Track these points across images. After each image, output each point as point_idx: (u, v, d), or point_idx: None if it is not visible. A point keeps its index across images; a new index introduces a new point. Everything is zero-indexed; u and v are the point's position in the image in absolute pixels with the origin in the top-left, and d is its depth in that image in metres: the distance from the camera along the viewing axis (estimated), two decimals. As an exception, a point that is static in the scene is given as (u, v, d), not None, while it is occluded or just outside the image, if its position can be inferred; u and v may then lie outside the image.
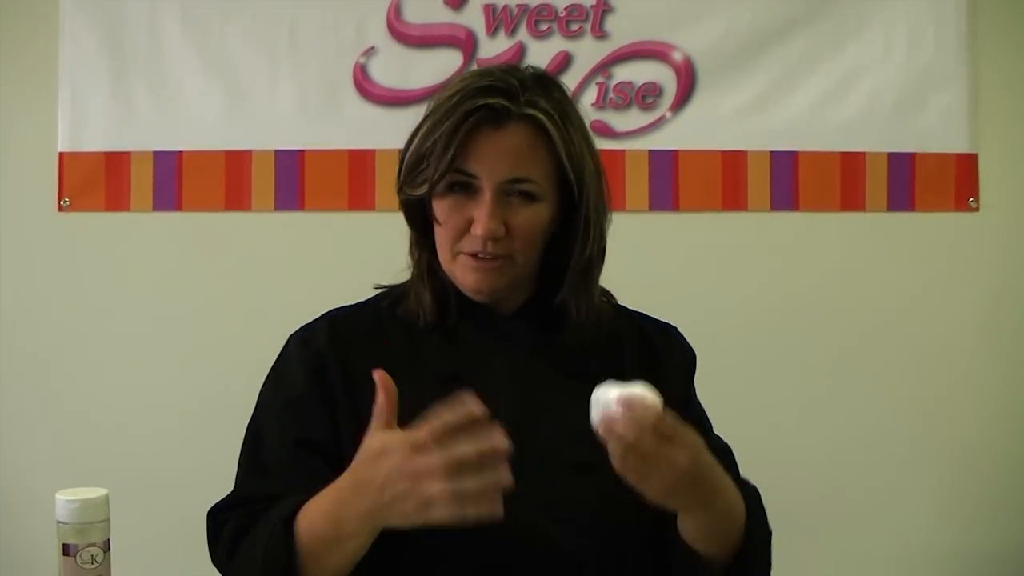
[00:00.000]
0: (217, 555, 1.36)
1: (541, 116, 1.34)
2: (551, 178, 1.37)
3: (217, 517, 1.38)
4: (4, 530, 2.68)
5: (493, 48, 2.75)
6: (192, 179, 2.75)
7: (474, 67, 2.68)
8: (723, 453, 1.50)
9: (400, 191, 1.43)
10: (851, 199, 2.79)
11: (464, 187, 1.36)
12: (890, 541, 2.81)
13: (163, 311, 2.77)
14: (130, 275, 2.78)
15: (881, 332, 2.82)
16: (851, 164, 2.79)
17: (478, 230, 1.35)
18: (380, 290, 1.51)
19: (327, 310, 1.49)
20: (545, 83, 1.40)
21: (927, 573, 2.82)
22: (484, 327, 1.43)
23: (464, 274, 1.39)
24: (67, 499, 1.22)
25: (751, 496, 1.40)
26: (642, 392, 1.18)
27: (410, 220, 1.45)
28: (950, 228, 2.83)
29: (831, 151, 2.78)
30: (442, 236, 1.40)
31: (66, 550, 1.21)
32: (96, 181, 2.75)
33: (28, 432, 2.75)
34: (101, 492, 1.23)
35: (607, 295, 1.52)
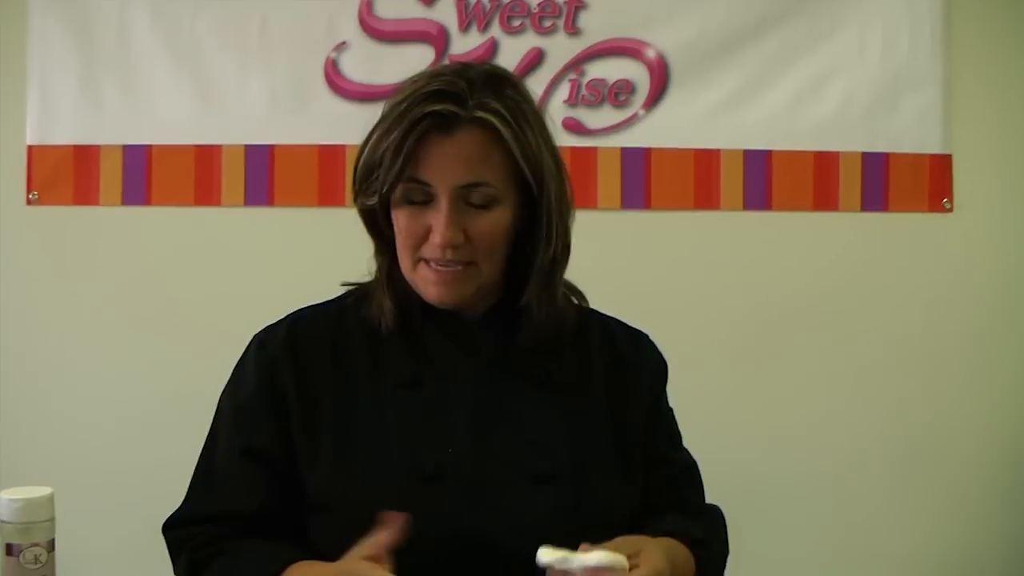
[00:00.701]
0: None
1: (492, 118, 1.31)
2: (509, 179, 1.35)
3: (170, 535, 1.40)
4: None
5: (465, 44, 2.73)
6: (161, 173, 2.74)
7: (446, 63, 2.66)
8: (688, 469, 1.51)
9: (355, 199, 1.40)
10: (824, 199, 2.79)
11: (420, 195, 1.33)
12: (875, 542, 2.81)
13: (130, 306, 2.75)
14: (98, 269, 2.76)
15: (853, 332, 2.82)
16: (825, 164, 2.78)
17: (436, 239, 1.32)
18: (348, 287, 1.49)
19: (294, 310, 1.48)
20: (497, 81, 1.36)
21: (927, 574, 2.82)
22: (448, 333, 1.41)
23: (426, 286, 1.37)
24: (10, 498, 1.20)
25: (714, 551, 1.41)
26: (610, 561, 1.16)
27: (369, 227, 1.43)
28: (924, 229, 2.82)
29: (805, 150, 2.77)
30: (402, 245, 1.37)
31: (9, 550, 1.19)
32: (65, 174, 2.73)
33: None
34: (45, 491, 1.21)
35: (579, 297, 1.50)
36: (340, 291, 1.49)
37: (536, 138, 1.36)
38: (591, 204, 2.73)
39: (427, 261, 1.35)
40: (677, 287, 2.78)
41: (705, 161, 2.76)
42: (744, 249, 2.80)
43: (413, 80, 1.36)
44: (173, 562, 1.39)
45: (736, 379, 2.79)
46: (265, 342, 1.43)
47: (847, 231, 2.81)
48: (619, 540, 1.23)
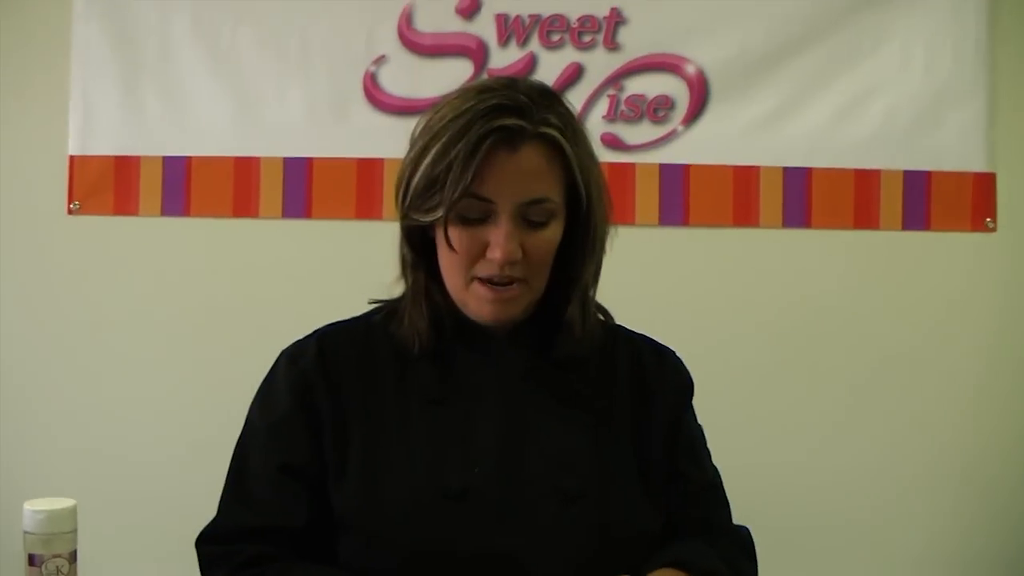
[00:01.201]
0: None
1: (555, 134, 1.30)
2: (564, 195, 1.34)
3: (205, 549, 1.39)
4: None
5: (504, 58, 2.72)
6: (201, 184, 2.75)
7: (484, 77, 2.66)
8: (710, 488, 1.48)
9: (405, 217, 1.37)
10: (865, 217, 2.75)
11: (478, 212, 1.31)
12: (894, 547, 2.78)
13: (167, 316, 2.77)
14: (136, 279, 2.78)
15: (894, 352, 2.78)
16: (865, 181, 2.75)
17: (496, 254, 1.30)
18: (375, 304, 1.48)
19: (320, 326, 1.47)
20: (550, 98, 1.35)
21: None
22: (476, 349, 1.40)
23: (479, 305, 1.35)
24: (33, 509, 1.20)
25: (715, 571, 1.36)
26: None
27: (409, 243, 1.40)
28: (966, 248, 2.78)
29: (845, 168, 2.74)
30: (454, 263, 1.35)
31: (32, 560, 1.19)
32: (105, 184, 2.75)
33: (19, 436, 2.75)
34: (68, 503, 1.22)
35: (604, 313, 1.48)
36: (370, 307, 1.48)
37: (586, 153, 1.36)
38: (629, 220, 2.71)
39: (481, 280, 1.34)
40: (715, 304, 2.76)
41: (744, 178, 2.74)
42: (783, 267, 2.77)
43: (460, 95, 1.33)
44: None
45: (775, 397, 2.76)
46: (295, 357, 1.42)
47: (888, 250, 2.77)
48: None
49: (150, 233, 2.77)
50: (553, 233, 1.34)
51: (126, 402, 2.76)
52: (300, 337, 1.46)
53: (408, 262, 1.41)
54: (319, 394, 1.38)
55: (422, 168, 1.31)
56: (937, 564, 2.78)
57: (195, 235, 2.77)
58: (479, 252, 1.32)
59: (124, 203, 2.76)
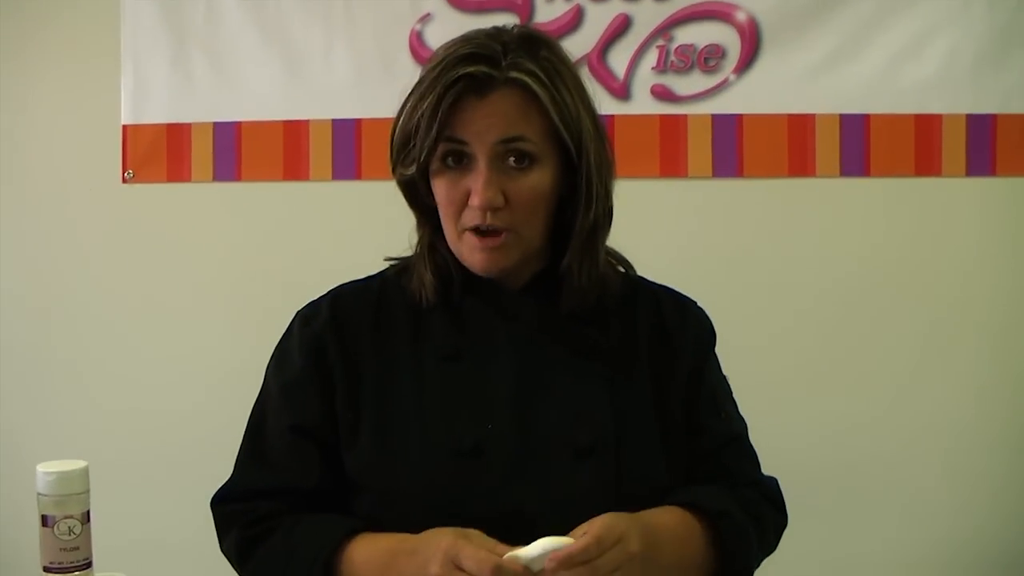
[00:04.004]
0: (226, 553, 1.40)
1: (526, 78, 1.29)
2: (547, 140, 1.33)
3: (219, 509, 1.40)
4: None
5: (550, 12, 2.68)
6: (251, 149, 2.77)
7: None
8: (733, 440, 1.45)
9: (393, 171, 1.39)
10: (926, 163, 2.67)
11: (458, 159, 1.32)
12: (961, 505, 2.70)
13: (222, 280, 2.80)
14: (191, 245, 2.82)
15: (959, 304, 2.70)
16: (926, 127, 2.66)
17: (475, 200, 1.30)
18: (391, 262, 1.48)
19: (334, 286, 1.48)
20: (532, 43, 1.34)
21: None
22: (489, 303, 1.39)
23: (471, 254, 1.35)
24: (45, 471, 1.21)
25: (739, 520, 1.34)
26: (554, 544, 1.16)
27: (409, 199, 1.42)
28: (1035, 193, 2.68)
29: (905, 113, 2.65)
30: (444, 214, 1.36)
31: (45, 521, 1.20)
32: (158, 152, 2.79)
33: (64, 400, 2.82)
34: (80, 464, 1.23)
35: (626, 265, 1.46)
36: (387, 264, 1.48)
37: (573, 99, 1.33)
38: (681, 173, 2.67)
39: (470, 230, 1.33)
40: (771, 257, 2.69)
41: (799, 127, 2.67)
42: (842, 217, 2.70)
43: (447, 46, 1.34)
44: (221, 538, 1.40)
45: (833, 351, 2.68)
46: (309, 318, 1.43)
47: (951, 197, 2.68)
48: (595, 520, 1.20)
49: (203, 199, 2.80)
50: (537, 179, 1.32)
51: (171, 366, 2.80)
52: (313, 299, 1.47)
53: (416, 218, 1.42)
54: (332, 355, 1.38)
55: (401, 120, 1.35)
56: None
57: (247, 200, 2.79)
58: (463, 201, 1.32)
59: (177, 170, 2.79)
